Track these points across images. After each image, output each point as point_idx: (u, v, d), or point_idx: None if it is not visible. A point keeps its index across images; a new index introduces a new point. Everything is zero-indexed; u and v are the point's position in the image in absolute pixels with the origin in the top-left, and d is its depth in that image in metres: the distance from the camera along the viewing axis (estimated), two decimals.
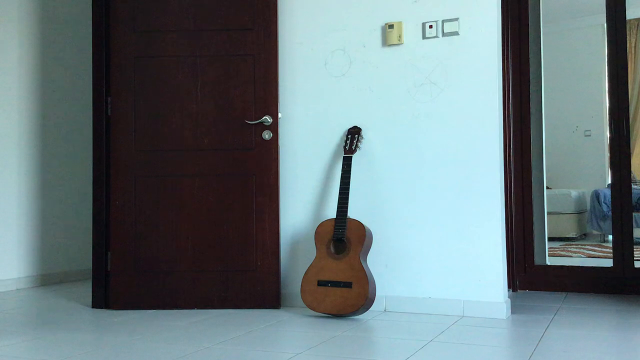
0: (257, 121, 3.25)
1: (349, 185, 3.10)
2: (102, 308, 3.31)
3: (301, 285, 3.04)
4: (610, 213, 5.77)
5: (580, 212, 7.03)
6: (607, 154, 7.51)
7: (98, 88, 3.38)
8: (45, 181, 4.42)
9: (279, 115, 3.33)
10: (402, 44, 3.18)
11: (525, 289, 3.74)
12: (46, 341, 2.56)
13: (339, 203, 3.07)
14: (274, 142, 3.26)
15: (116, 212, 3.28)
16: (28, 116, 4.30)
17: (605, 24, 3.69)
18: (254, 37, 3.27)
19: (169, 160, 3.28)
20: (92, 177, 4.64)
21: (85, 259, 4.70)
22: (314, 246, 3.24)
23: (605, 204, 6.39)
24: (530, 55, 3.80)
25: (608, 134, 3.67)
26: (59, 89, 4.54)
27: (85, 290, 4.05)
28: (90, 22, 4.78)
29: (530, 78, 3.79)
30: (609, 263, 3.69)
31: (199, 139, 3.28)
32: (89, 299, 3.63)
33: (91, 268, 4.36)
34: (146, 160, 3.29)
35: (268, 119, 3.23)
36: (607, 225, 6.27)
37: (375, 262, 3.18)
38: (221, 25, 3.29)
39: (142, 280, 3.25)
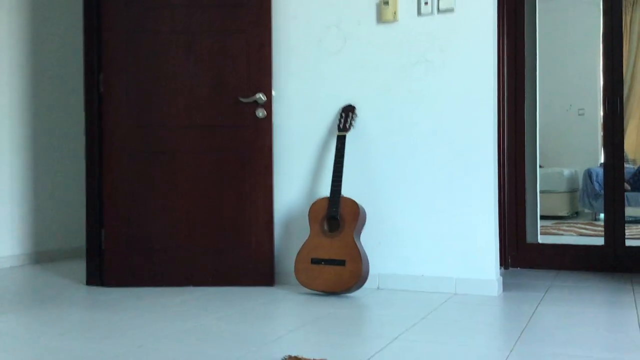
0: (251, 99, 3.23)
1: (342, 163, 3.09)
2: (96, 285, 3.31)
3: (295, 263, 3.05)
4: (602, 192, 5.81)
5: (572, 191, 7.06)
6: (600, 133, 7.53)
7: (90, 64, 3.34)
8: (38, 158, 4.39)
9: (273, 93, 3.31)
10: (397, 21, 3.15)
11: (517, 267, 3.77)
12: (41, 318, 2.57)
13: (332, 181, 3.07)
14: (268, 121, 3.24)
15: (109, 189, 3.27)
16: (19, 93, 4.26)
17: (601, 1, 3.67)
18: (248, 13, 3.24)
19: (163, 137, 3.27)
20: (84, 154, 4.62)
21: (79, 237, 4.69)
22: (308, 224, 3.24)
23: (597, 182, 6.42)
24: (525, 33, 3.78)
25: (602, 113, 3.67)
26: (51, 65, 4.49)
27: (80, 267, 4.05)
28: None
29: (525, 55, 3.78)
30: (600, 241, 3.72)
31: (192, 117, 3.26)
32: (83, 277, 3.64)
33: (85, 245, 4.36)
34: (139, 137, 3.27)
35: (262, 96, 3.21)
36: (599, 203, 6.31)
37: (369, 240, 3.19)
38: (214, 1, 3.25)
39: (136, 258, 3.26)
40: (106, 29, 3.28)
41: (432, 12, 3.08)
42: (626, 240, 3.61)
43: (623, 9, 3.62)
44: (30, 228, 4.33)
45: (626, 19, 7.77)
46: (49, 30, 4.48)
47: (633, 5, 7.77)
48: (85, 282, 3.40)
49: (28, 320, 2.55)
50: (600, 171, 6.34)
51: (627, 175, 6.44)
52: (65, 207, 4.61)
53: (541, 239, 3.89)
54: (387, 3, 3.14)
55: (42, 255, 4.38)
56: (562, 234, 5.34)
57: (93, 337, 2.24)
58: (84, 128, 3.38)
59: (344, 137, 3.14)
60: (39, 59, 4.41)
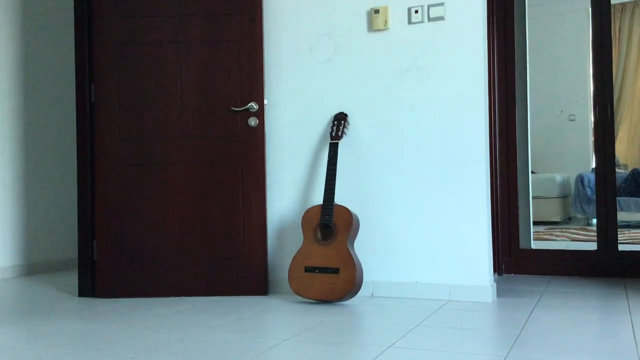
0: (243, 108, 3.23)
1: (335, 171, 3.09)
2: (88, 297, 3.29)
3: (288, 272, 3.04)
4: (594, 197, 5.83)
5: (564, 196, 7.09)
6: (591, 138, 7.56)
7: (81, 74, 3.33)
8: (29, 169, 4.37)
9: (265, 101, 3.31)
10: (388, 29, 3.16)
11: (511, 273, 3.77)
12: (33, 330, 2.54)
13: (325, 189, 3.07)
14: (260, 129, 3.24)
15: (101, 200, 3.26)
16: (10, 103, 4.24)
17: (590, 8, 3.69)
18: (239, 22, 3.24)
19: (155, 147, 3.26)
20: (76, 165, 4.60)
21: (70, 248, 4.67)
22: (301, 233, 3.24)
23: (590, 187, 6.45)
24: (516, 40, 3.80)
25: (592, 118, 3.69)
26: (42, 76, 4.48)
27: (71, 279, 4.03)
28: (72, 8, 4.71)
29: (516, 62, 3.80)
30: (593, 246, 3.73)
31: (184, 126, 3.26)
32: (75, 288, 3.62)
33: (77, 257, 4.33)
34: (131, 147, 3.26)
35: (254, 105, 3.22)
36: (592, 209, 6.33)
37: (362, 247, 3.19)
38: (205, 10, 3.25)
39: (128, 269, 3.24)
40: (97, 39, 3.27)
41: (422, 21, 3.09)
42: (619, 245, 3.62)
43: (612, 15, 3.65)
44: (22, 240, 4.30)
45: (615, 26, 7.84)
46: (40, 42, 4.47)
47: (622, 11, 7.83)
48: (77, 293, 3.38)
49: (20, 332, 2.52)
50: (592, 176, 6.37)
51: (619, 180, 6.47)
52: (57, 218, 4.58)
53: (534, 245, 3.90)
54: (377, 12, 3.15)
55: (34, 266, 4.35)
56: (555, 240, 5.36)
57: (85, 350, 2.22)
58: (76, 139, 3.36)
59: (337, 144, 3.14)
60: (30, 70, 4.39)
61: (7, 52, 4.23)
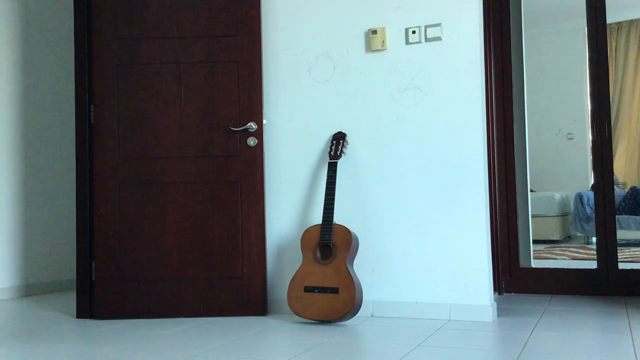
0: (242, 128, 3.24)
1: (334, 190, 3.10)
2: (86, 318, 3.27)
3: (288, 292, 3.03)
4: (593, 215, 5.83)
5: (564, 215, 7.09)
6: (589, 157, 7.58)
7: (81, 96, 3.35)
8: (28, 190, 4.37)
9: (264, 121, 3.32)
10: (385, 49, 3.19)
11: (511, 292, 3.76)
12: (31, 352, 2.52)
13: (324, 209, 3.07)
14: (259, 149, 3.25)
15: (100, 221, 3.25)
16: (10, 125, 4.26)
17: (586, 28, 3.73)
18: (238, 44, 3.27)
19: (153, 167, 3.26)
20: (75, 186, 4.60)
21: (68, 269, 4.65)
22: (300, 252, 3.23)
23: (589, 206, 6.45)
24: (513, 60, 3.83)
25: (590, 137, 3.71)
26: (42, 97, 4.50)
27: (70, 300, 4.01)
28: (72, 30, 4.75)
29: (513, 82, 3.82)
30: (593, 265, 3.72)
31: (183, 146, 3.26)
32: (74, 309, 3.60)
33: (75, 278, 4.32)
34: (130, 168, 3.27)
35: (253, 125, 3.23)
36: (591, 227, 6.33)
37: (362, 267, 3.18)
38: (204, 32, 3.28)
39: (127, 289, 3.22)
40: (97, 61, 3.29)
41: (420, 41, 3.12)
42: (619, 263, 3.61)
43: (608, 34, 3.68)
44: (19, 261, 4.29)
45: (612, 44, 7.90)
46: (39, 64, 4.49)
47: (618, 30, 7.90)
48: (75, 315, 3.36)
49: (16, 355, 2.50)
50: (591, 194, 6.37)
51: (618, 199, 6.47)
52: (55, 239, 4.57)
53: (534, 264, 3.89)
54: (375, 32, 3.18)
55: (31, 288, 4.33)
56: (555, 258, 5.34)
57: None
58: (75, 160, 3.37)
59: (335, 164, 3.15)
60: (30, 92, 4.41)
61: (6, 75, 4.25)
